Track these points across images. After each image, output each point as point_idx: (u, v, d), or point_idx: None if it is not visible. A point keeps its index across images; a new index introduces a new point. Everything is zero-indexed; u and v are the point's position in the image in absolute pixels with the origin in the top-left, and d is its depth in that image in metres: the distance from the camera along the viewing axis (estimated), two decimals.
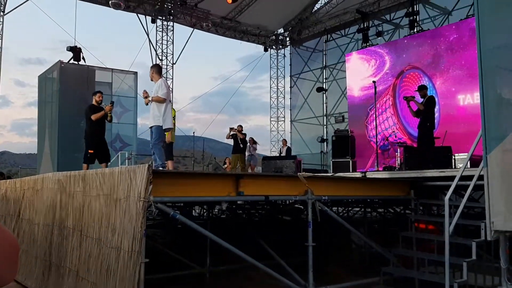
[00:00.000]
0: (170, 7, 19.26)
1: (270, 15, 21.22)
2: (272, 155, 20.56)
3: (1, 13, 15.35)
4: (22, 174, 19.29)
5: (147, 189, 4.28)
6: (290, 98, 23.33)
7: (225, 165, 15.72)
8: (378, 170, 10.44)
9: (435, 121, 9.89)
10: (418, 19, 16.37)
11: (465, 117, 13.48)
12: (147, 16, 18.97)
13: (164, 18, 19.47)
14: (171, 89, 18.51)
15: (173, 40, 19.69)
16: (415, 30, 16.18)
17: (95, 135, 8.90)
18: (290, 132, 23.13)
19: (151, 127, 7.72)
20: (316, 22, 21.47)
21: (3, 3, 15.32)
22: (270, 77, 24.06)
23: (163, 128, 7.62)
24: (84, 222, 5.38)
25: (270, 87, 24.04)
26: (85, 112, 9.13)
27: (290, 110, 23.29)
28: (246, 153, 14.89)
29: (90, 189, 5.37)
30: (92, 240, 5.09)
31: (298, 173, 6.80)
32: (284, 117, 23.71)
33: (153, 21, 19.17)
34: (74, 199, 5.78)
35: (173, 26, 19.72)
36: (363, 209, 10.19)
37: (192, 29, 20.13)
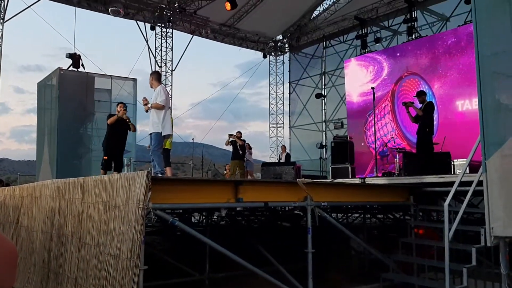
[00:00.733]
0: (169, 14, 19.32)
1: (269, 22, 21.30)
2: (271, 161, 20.55)
3: (1, 21, 15.40)
4: (21, 181, 19.25)
5: (146, 196, 4.27)
6: (289, 104, 23.37)
7: (225, 171, 15.71)
8: (377, 176, 10.44)
9: (434, 127, 9.90)
10: (416, 26, 16.44)
11: (464, 122, 13.49)
12: (146, 23, 19.03)
13: (163, 25, 19.53)
14: (170, 96, 18.53)
15: (172, 47, 19.74)
16: (413, 36, 16.24)
17: (111, 142, 9.16)
18: (289, 138, 23.14)
19: (150, 134, 7.73)
20: (315, 29, 21.55)
21: (2, 11, 15.37)
22: (269, 84, 24.13)
23: (162, 134, 7.63)
24: (83, 229, 5.37)
25: (269, 94, 24.11)
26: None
27: (289, 116, 23.32)
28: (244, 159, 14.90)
29: (89, 196, 5.37)
30: (91, 247, 5.07)
31: (297, 179, 6.80)
32: (283, 123, 23.76)
33: (152, 28, 19.22)
34: (73, 206, 5.77)
35: (172, 33, 19.78)
36: (362, 215, 10.17)
37: (191, 35, 20.19)
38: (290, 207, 7.05)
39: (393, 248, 7.32)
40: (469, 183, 5.28)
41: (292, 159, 17.74)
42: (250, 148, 15.47)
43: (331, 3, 20.49)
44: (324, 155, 20.84)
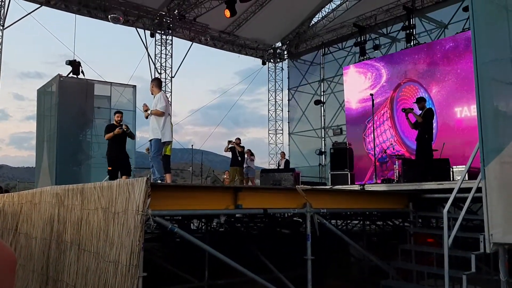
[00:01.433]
0: (169, 21, 19.40)
1: (268, 29, 21.39)
2: (270, 168, 20.55)
3: (1, 27, 15.45)
4: (20, 188, 19.22)
5: (145, 203, 4.27)
6: (288, 111, 23.40)
7: (225, 177, 15.70)
8: (376, 183, 10.45)
9: (434, 133, 9.91)
10: (414, 33, 16.50)
11: (462, 129, 13.52)
12: (146, 30, 19.10)
13: (163, 32, 19.61)
14: (170, 102, 18.55)
15: (171, 54, 19.80)
16: (412, 43, 16.30)
17: (113, 153, 9.36)
18: (288, 145, 23.14)
19: (150, 140, 7.74)
20: (314, 36, 21.64)
21: (2, 18, 15.43)
22: (268, 90, 24.17)
23: (162, 141, 7.64)
24: (82, 236, 5.36)
25: (268, 100, 24.14)
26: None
27: (288, 122, 23.34)
28: (244, 165, 14.89)
29: (88, 202, 5.36)
30: (90, 254, 5.06)
31: (296, 186, 6.80)
32: (282, 129, 23.77)
33: (152, 35, 19.29)
34: (72, 213, 5.76)
35: (171, 40, 19.85)
36: (362, 222, 10.17)
37: (191, 43, 20.26)
38: (289, 214, 7.05)
39: (393, 255, 7.31)
40: (468, 190, 5.28)
41: (291, 166, 17.74)
42: (252, 155, 15.47)
43: (330, 10, 20.59)
44: (323, 162, 20.84)
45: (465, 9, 14.10)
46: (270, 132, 23.86)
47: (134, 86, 15.40)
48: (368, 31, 18.66)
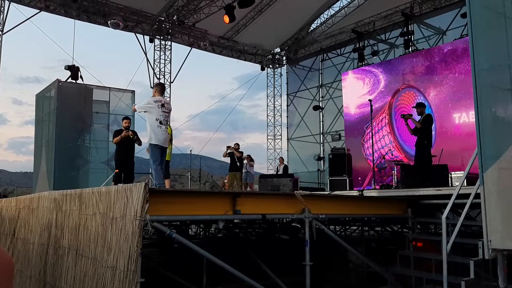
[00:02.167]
0: (168, 26, 19.44)
1: (267, 35, 21.44)
2: (269, 173, 20.53)
3: (0, 32, 15.46)
4: (18, 193, 19.17)
5: (143, 208, 4.26)
6: (287, 116, 23.42)
7: (225, 181, 15.66)
8: (375, 189, 10.44)
9: (432, 139, 9.91)
10: (413, 39, 16.56)
11: (461, 135, 13.55)
12: (145, 36, 19.14)
13: (162, 38, 19.65)
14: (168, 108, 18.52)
15: (170, 59, 19.83)
16: (410, 49, 16.36)
17: (119, 157, 9.58)
18: (287, 150, 23.14)
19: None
20: (312, 42, 21.70)
21: (2, 23, 15.45)
22: (267, 96, 24.19)
23: (150, 143, 7.50)
24: (80, 241, 5.34)
25: (267, 106, 24.16)
26: None
27: (287, 128, 23.35)
28: (244, 171, 14.88)
29: (86, 207, 5.35)
30: (88, 260, 5.04)
31: (295, 192, 6.80)
32: (281, 135, 23.77)
33: (151, 41, 19.33)
34: (70, 218, 5.75)
35: (171, 45, 19.88)
36: (360, 228, 10.15)
37: (190, 48, 20.30)
38: (288, 220, 7.04)
39: (391, 260, 7.30)
40: (467, 196, 5.28)
41: (289, 171, 17.74)
42: (251, 160, 15.46)
43: (328, 16, 20.66)
44: (322, 167, 20.84)
45: (463, 15, 14.16)
46: (268, 137, 23.88)
47: (133, 91, 15.40)
48: (367, 37, 18.72)
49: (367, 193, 8.90)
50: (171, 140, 9.86)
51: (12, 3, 15.51)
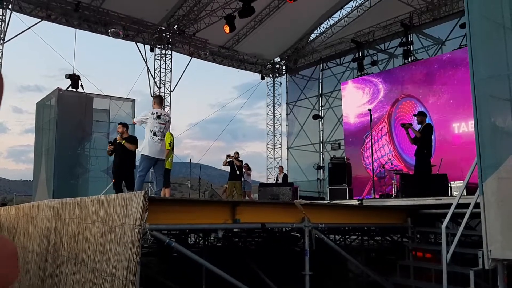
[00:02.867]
0: (168, 36, 19.54)
1: (267, 44, 21.54)
2: (268, 182, 20.51)
3: (1, 41, 15.53)
4: (17, 201, 19.13)
5: (142, 217, 4.26)
6: (287, 125, 23.44)
7: (225, 188, 15.61)
8: (374, 198, 10.43)
9: (432, 148, 9.91)
10: (412, 49, 16.63)
11: (460, 145, 13.55)
12: (145, 45, 19.22)
13: (162, 47, 19.74)
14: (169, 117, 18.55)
15: (171, 68, 19.90)
16: (409, 59, 16.42)
17: (114, 165, 9.45)
18: (287, 159, 23.13)
19: None
20: (312, 51, 21.79)
21: (3, 31, 15.52)
22: (267, 105, 24.24)
23: (142, 154, 7.60)
24: (79, 250, 5.33)
25: (267, 114, 24.20)
26: None
27: (287, 137, 23.36)
28: (242, 179, 14.88)
29: (86, 216, 5.34)
30: (86, 268, 5.03)
31: (294, 201, 6.79)
32: (280, 144, 23.78)
33: (152, 50, 19.41)
34: (69, 227, 5.74)
35: (171, 55, 19.97)
36: (360, 237, 10.12)
37: (190, 57, 20.38)
38: (287, 229, 7.02)
39: (391, 270, 7.27)
40: (467, 205, 5.28)
41: (289, 180, 17.72)
42: (249, 169, 15.46)
43: (328, 26, 20.78)
44: (322, 176, 20.82)
45: (462, 26, 14.22)
46: (268, 146, 23.88)
47: (133, 100, 15.44)
48: (366, 47, 18.81)
49: (367, 202, 8.89)
50: (172, 148, 9.86)
51: (13, 12, 15.61)
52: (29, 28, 16.12)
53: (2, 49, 15.51)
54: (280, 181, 16.82)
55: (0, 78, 1.02)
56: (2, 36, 15.50)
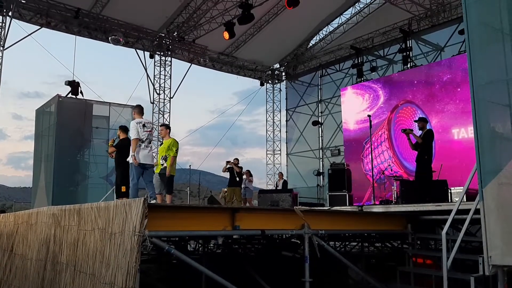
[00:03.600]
0: (168, 43, 19.60)
1: (266, 51, 21.61)
2: (268, 189, 20.48)
3: (1, 48, 15.57)
4: (17, 208, 19.10)
5: (142, 223, 4.25)
6: (286, 132, 23.46)
7: (224, 189, 15.57)
8: (374, 204, 10.41)
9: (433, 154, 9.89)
10: (411, 55, 16.68)
11: (460, 151, 13.55)
12: (145, 51, 19.28)
13: (162, 54, 19.80)
14: (167, 123, 18.63)
15: (170, 75, 19.96)
16: (409, 65, 16.46)
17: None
18: (286, 165, 23.12)
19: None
20: (311, 58, 21.85)
21: (3, 38, 15.56)
22: (266, 111, 24.28)
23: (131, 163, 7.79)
24: (78, 257, 5.31)
25: (266, 121, 24.23)
26: None
27: (286, 143, 23.37)
28: (242, 186, 14.85)
29: (85, 223, 5.33)
30: (86, 276, 5.00)
31: (294, 207, 6.78)
32: (280, 150, 23.78)
33: (151, 56, 19.46)
34: (69, 234, 5.72)
35: (171, 61, 20.02)
36: (360, 244, 10.09)
37: (190, 64, 20.43)
38: (287, 235, 7.01)
39: (391, 277, 7.24)
40: (467, 211, 5.27)
41: (289, 186, 17.69)
42: (250, 175, 15.44)
43: (327, 33, 20.85)
44: (321, 183, 20.80)
45: (461, 32, 14.27)
46: (268, 152, 23.88)
47: (133, 107, 15.43)
48: (365, 53, 18.86)
49: (366, 208, 8.87)
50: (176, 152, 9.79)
51: (13, 19, 15.66)
52: (29, 35, 16.18)
53: (2, 56, 15.54)
54: (279, 187, 16.79)
55: None
56: (2, 43, 15.54)
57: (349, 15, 19.59)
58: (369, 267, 8.94)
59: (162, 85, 19.74)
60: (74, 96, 14.35)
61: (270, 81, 24.13)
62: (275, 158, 23.72)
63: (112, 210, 4.78)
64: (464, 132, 13.76)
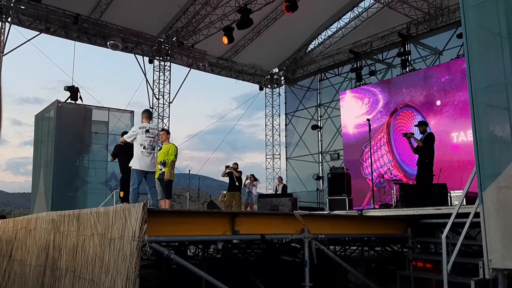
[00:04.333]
0: (167, 48, 19.63)
1: (265, 55, 21.64)
2: (268, 193, 20.46)
3: (0, 54, 15.58)
4: (16, 214, 19.07)
5: (141, 229, 4.24)
6: (286, 136, 23.46)
7: (224, 192, 15.54)
8: (374, 208, 10.40)
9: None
10: (409, 59, 16.71)
11: (459, 154, 13.56)
12: (144, 57, 19.30)
13: (161, 59, 19.82)
14: (167, 128, 18.63)
15: (170, 80, 19.98)
16: (407, 69, 16.50)
17: (121, 173, 9.22)
18: (286, 170, 23.10)
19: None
20: (310, 62, 21.89)
21: (2, 44, 15.58)
22: (266, 115, 24.29)
23: (133, 168, 7.66)
24: (77, 263, 5.29)
25: (266, 125, 24.24)
26: None
27: (286, 147, 23.37)
28: (246, 190, 14.84)
29: (84, 228, 5.32)
30: (85, 281, 4.99)
31: (294, 211, 6.77)
32: (279, 154, 23.78)
33: (151, 61, 19.49)
34: (68, 239, 5.71)
35: (170, 66, 20.05)
36: (360, 248, 10.08)
37: (189, 69, 20.45)
38: (287, 240, 6.99)
39: (392, 281, 7.23)
40: (466, 215, 5.26)
41: (288, 191, 17.67)
42: (255, 180, 15.42)
43: (326, 37, 20.90)
44: (321, 187, 20.78)
45: (459, 36, 14.32)
46: (267, 157, 23.87)
47: (132, 112, 15.47)
48: (364, 57, 18.89)
49: (366, 212, 8.86)
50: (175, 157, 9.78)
51: (12, 25, 15.68)
52: (28, 40, 16.19)
53: (1, 62, 15.55)
54: (279, 191, 16.77)
55: None
56: (1, 48, 15.56)
57: (348, 19, 19.63)
58: (369, 271, 8.92)
59: (161, 90, 19.76)
60: (73, 102, 14.37)
61: (269, 86, 24.15)
62: (274, 163, 23.72)
63: (111, 216, 4.77)
64: (463, 136, 13.77)
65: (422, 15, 16.71)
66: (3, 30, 15.63)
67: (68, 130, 13.93)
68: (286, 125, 23.43)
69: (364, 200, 15.07)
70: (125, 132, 9.58)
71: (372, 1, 18.27)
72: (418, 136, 9.66)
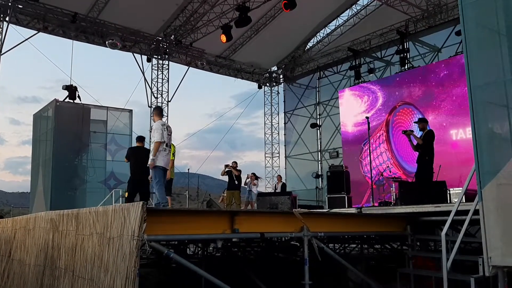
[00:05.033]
0: (165, 46, 19.61)
1: (263, 53, 21.63)
2: (267, 191, 20.46)
3: None
4: (15, 213, 19.05)
5: (141, 227, 4.23)
6: (285, 134, 23.46)
7: (223, 193, 15.54)
8: (373, 206, 10.40)
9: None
10: (408, 56, 16.71)
11: (458, 151, 13.56)
12: (142, 55, 19.28)
13: (159, 57, 19.80)
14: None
15: (168, 78, 19.97)
16: (406, 67, 16.50)
17: (135, 176, 9.04)
18: (285, 168, 23.11)
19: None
20: (309, 60, 21.88)
21: (0, 43, 15.55)
22: (265, 114, 24.30)
23: (154, 166, 7.51)
24: (76, 262, 5.28)
25: (265, 124, 24.24)
26: None
27: (285, 146, 23.37)
28: (246, 189, 14.83)
29: (83, 228, 5.31)
30: (84, 281, 4.98)
31: (293, 210, 6.76)
32: (278, 153, 23.79)
33: (149, 60, 19.47)
34: (67, 239, 5.69)
35: (168, 65, 20.03)
36: (359, 246, 10.07)
37: (187, 67, 20.44)
38: (286, 238, 6.99)
39: (391, 278, 7.23)
40: (466, 212, 5.26)
41: (288, 189, 17.68)
42: (256, 179, 15.41)
43: (324, 35, 20.89)
44: (320, 185, 20.78)
45: (458, 33, 14.33)
46: (266, 155, 23.88)
47: (131, 111, 15.46)
48: (363, 55, 18.88)
49: (365, 210, 8.85)
50: (173, 156, 9.78)
51: (10, 24, 15.64)
52: (26, 39, 16.16)
53: None
54: (278, 190, 16.77)
55: None
56: None
57: (346, 17, 19.62)
58: (369, 269, 8.92)
59: (160, 88, 19.74)
60: (71, 101, 14.35)
61: (268, 84, 24.14)
62: (273, 161, 23.73)
63: (110, 215, 4.76)
64: (462, 133, 13.78)
65: (420, 12, 16.71)
66: (0, 29, 15.59)
67: (66, 129, 13.91)
68: (285, 123, 23.43)
69: (364, 198, 15.08)
70: (141, 137, 9.45)
71: None
72: (418, 133, 9.65)
